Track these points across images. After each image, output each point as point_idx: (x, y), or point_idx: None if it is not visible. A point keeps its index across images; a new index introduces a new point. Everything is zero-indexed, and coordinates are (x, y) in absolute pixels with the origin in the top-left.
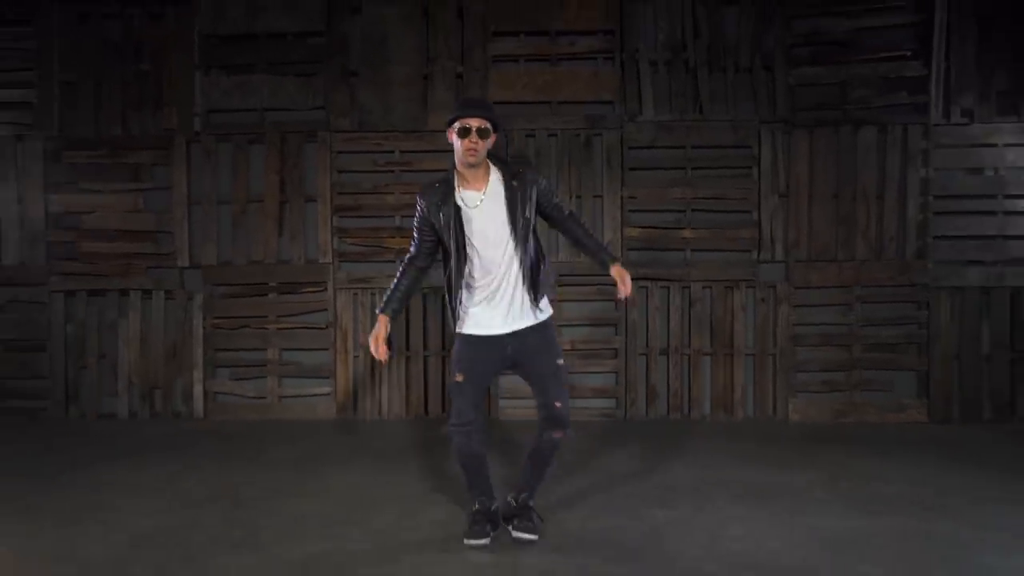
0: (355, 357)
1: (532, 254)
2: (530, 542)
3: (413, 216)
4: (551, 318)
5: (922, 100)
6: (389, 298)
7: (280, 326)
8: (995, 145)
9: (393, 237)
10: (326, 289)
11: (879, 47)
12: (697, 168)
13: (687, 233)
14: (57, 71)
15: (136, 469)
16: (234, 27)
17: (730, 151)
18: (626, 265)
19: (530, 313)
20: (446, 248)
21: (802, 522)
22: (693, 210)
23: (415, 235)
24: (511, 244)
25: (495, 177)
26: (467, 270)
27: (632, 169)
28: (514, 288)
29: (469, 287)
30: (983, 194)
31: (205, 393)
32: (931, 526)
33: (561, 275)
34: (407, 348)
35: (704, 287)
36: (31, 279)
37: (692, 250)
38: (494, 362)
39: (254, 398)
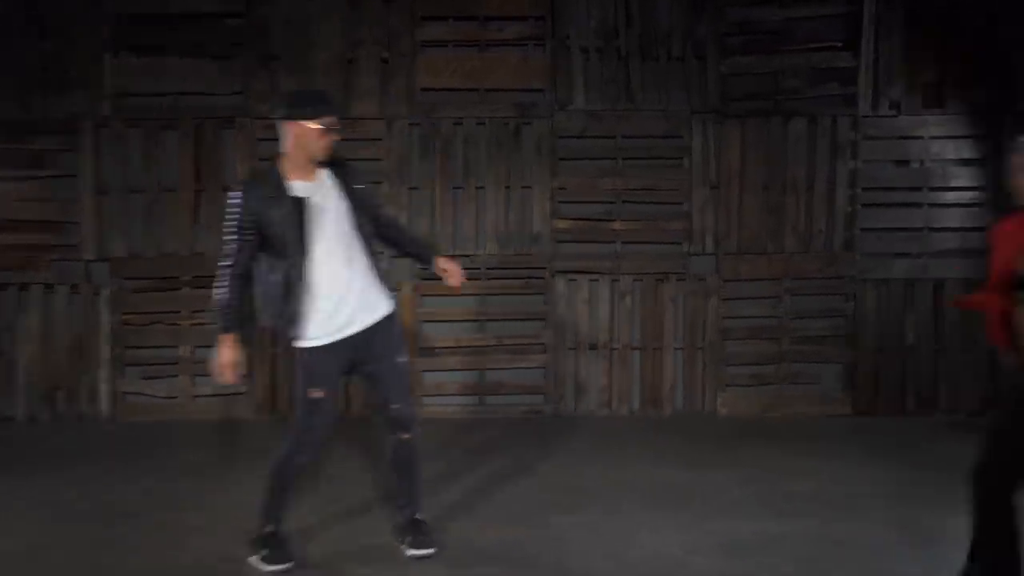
0: (273, 354)
1: (369, 246)
2: (427, 557)
3: (238, 216)
4: (396, 311)
5: (851, 91)
6: (229, 316)
7: (194, 322)
8: (921, 137)
9: None
10: None
11: (810, 37)
12: (628, 158)
13: (617, 225)
14: None
15: (20, 479)
16: (147, 6)
17: (661, 141)
18: (556, 257)
19: (375, 308)
20: (279, 247)
21: (712, 527)
22: (624, 202)
23: (235, 237)
24: (353, 236)
25: (323, 171)
26: (308, 269)
27: (562, 159)
28: (360, 284)
29: (311, 288)
30: (909, 186)
31: (113, 393)
32: (840, 528)
33: (489, 268)
34: None
35: (634, 280)
36: None
37: (622, 242)
38: (343, 368)
39: (166, 398)
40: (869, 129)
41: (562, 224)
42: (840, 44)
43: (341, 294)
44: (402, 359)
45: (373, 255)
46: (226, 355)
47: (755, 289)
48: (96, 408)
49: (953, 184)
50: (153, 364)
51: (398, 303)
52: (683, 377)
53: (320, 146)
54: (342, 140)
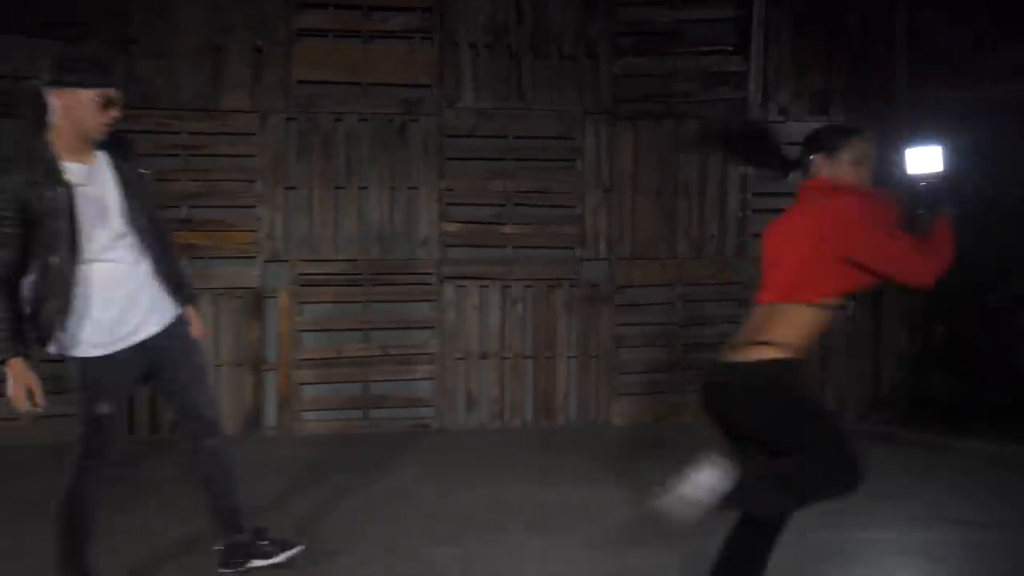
0: None
1: (158, 238)
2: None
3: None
4: (185, 312)
5: (742, 96)
6: (8, 336)
7: None
8: None
9: (179, 230)
10: None
11: (701, 40)
12: (519, 159)
13: (508, 229)
14: None
15: None
16: None
17: (554, 142)
18: (444, 262)
19: (164, 309)
20: (45, 244)
21: (601, 553)
22: (515, 204)
23: None
24: (135, 227)
25: (100, 152)
26: (81, 267)
27: (451, 159)
28: (143, 283)
29: (85, 290)
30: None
31: None
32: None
33: (373, 273)
34: None
35: (526, 286)
36: None
37: (513, 247)
38: (132, 380)
39: (3, 420)
40: None
41: (451, 227)
42: (731, 48)
43: (127, 296)
44: (200, 360)
45: (159, 248)
46: (15, 384)
47: (648, 295)
48: None
49: None
50: None
51: (272, 310)
52: (576, 386)
53: (93, 122)
54: (121, 122)
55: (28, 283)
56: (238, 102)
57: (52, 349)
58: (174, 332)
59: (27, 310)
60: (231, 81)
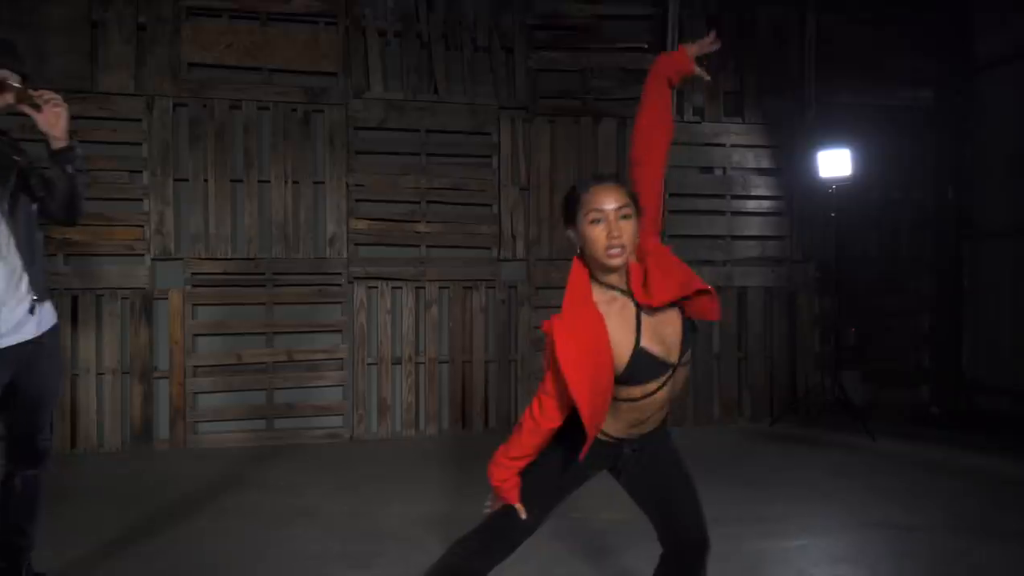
0: None
1: (30, 245)
2: None
3: None
4: (57, 327)
5: None
6: None
7: None
8: (723, 145)
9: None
10: None
11: (617, 36)
12: (432, 154)
13: (422, 227)
14: None
15: None
16: None
17: (468, 137)
18: (354, 262)
19: (32, 321)
20: None
21: (525, 568)
22: (428, 202)
23: None
24: (11, 224)
25: None
26: None
27: (359, 153)
28: (20, 285)
29: None
30: (714, 193)
31: None
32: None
33: (276, 273)
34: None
35: (441, 287)
36: None
37: (427, 246)
38: (5, 381)
39: None
40: (675, 134)
41: (360, 225)
42: (646, 46)
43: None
44: (60, 381)
45: (34, 250)
46: None
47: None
48: None
49: (753, 192)
50: None
51: (162, 313)
52: (495, 392)
53: None
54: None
55: None
56: (119, 83)
57: None
58: (43, 346)
59: None
60: (110, 59)
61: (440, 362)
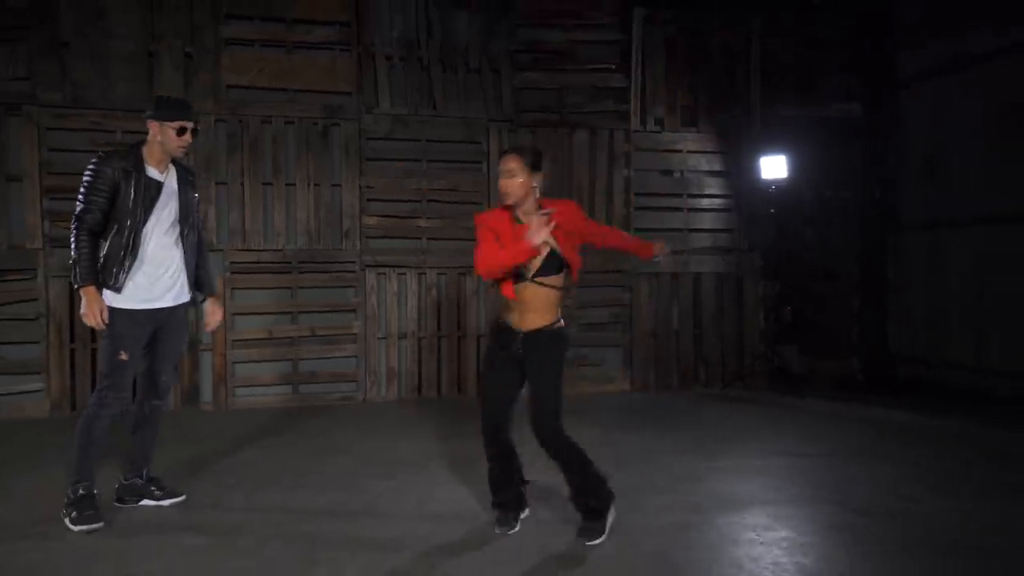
0: (72, 350)
1: (194, 243)
2: (183, 501)
3: (92, 178)
4: (186, 304)
5: (624, 109)
6: (87, 269)
7: None
8: (680, 151)
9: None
10: (35, 277)
11: (589, 59)
12: (432, 161)
13: (423, 222)
14: None
15: None
16: None
17: (462, 146)
18: (366, 252)
19: (179, 293)
20: (122, 216)
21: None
22: (428, 201)
23: (88, 197)
24: (180, 227)
25: (173, 168)
26: (141, 242)
27: (370, 159)
28: (172, 267)
29: (138, 259)
30: (673, 192)
31: None
32: (612, 475)
33: (300, 262)
34: None
35: (439, 274)
36: None
37: (428, 239)
38: (144, 337)
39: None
40: (639, 142)
41: (370, 221)
42: (614, 66)
43: (160, 274)
44: (181, 343)
45: (193, 247)
46: (90, 305)
47: None
48: None
49: (706, 192)
50: None
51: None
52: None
53: (174, 144)
54: (189, 144)
55: (107, 241)
56: None
57: (105, 295)
58: (176, 313)
59: (101, 259)
60: (163, 84)
61: (439, 337)
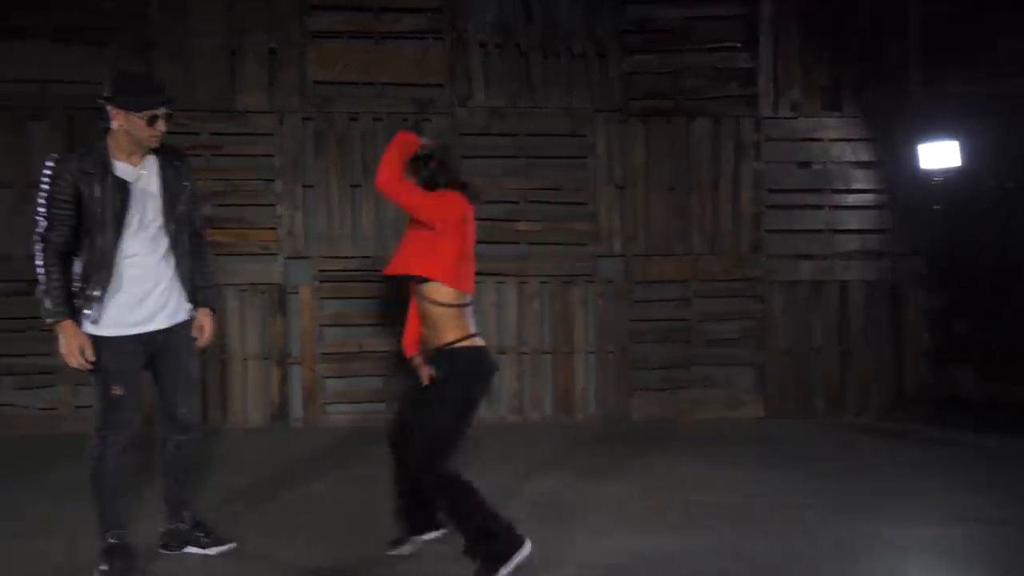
0: None
1: (190, 246)
2: (232, 550)
3: (50, 187)
4: (193, 319)
5: (752, 92)
6: (59, 299)
7: None
8: (821, 139)
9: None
10: None
11: (710, 37)
12: (532, 157)
13: (522, 225)
14: None
15: None
16: None
17: (565, 140)
18: None
19: (181, 309)
20: (90, 227)
21: (606, 542)
22: (528, 201)
23: (46, 211)
24: (168, 229)
25: (152, 156)
26: (116, 255)
27: (464, 157)
28: (161, 281)
29: (116, 275)
30: (812, 188)
31: None
32: (739, 542)
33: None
34: None
35: (541, 282)
36: None
37: (528, 243)
38: (136, 367)
39: (44, 409)
40: (771, 130)
41: None
42: (739, 45)
43: (145, 291)
44: (190, 366)
45: (188, 252)
46: (69, 342)
47: (663, 291)
48: None
49: (853, 186)
50: (28, 373)
51: (294, 306)
52: (595, 381)
53: (144, 135)
54: (162, 132)
55: (78, 260)
56: (255, 102)
57: (82, 324)
58: (175, 334)
59: (74, 284)
60: (247, 81)
61: (542, 352)
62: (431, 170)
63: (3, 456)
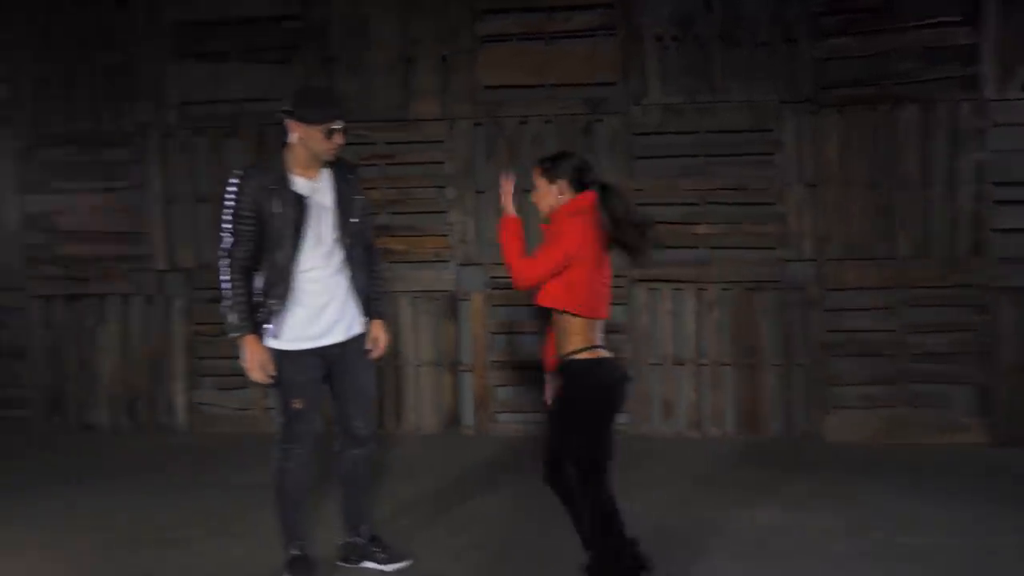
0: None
1: (363, 258)
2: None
3: (235, 203)
4: (367, 332)
5: (973, 72)
6: (243, 314)
7: None
8: None
9: (378, 237)
10: None
11: (919, 13)
12: (712, 155)
13: (702, 229)
14: (30, 64)
15: (89, 495)
16: (207, 12)
17: (749, 135)
18: (635, 265)
19: (356, 322)
20: (270, 242)
21: None
22: (708, 203)
23: (231, 226)
24: (343, 243)
25: (327, 170)
26: (294, 269)
27: (639, 158)
28: (336, 294)
29: (295, 289)
30: None
31: (189, 404)
32: None
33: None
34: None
35: (723, 289)
36: (9, 283)
37: (708, 247)
38: (316, 379)
39: (239, 409)
40: (998, 114)
41: None
42: (957, 19)
43: (322, 304)
44: (366, 380)
45: (361, 264)
46: (252, 357)
47: (863, 299)
48: (173, 419)
49: None
50: (226, 375)
51: (465, 313)
52: (783, 397)
53: (321, 148)
54: (339, 146)
55: (258, 276)
56: (428, 109)
57: (263, 338)
58: (351, 347)
59: (255, 298)
60: (421, 90)
61: (723, 364)
62: (571, 169)
63: (200, 454)
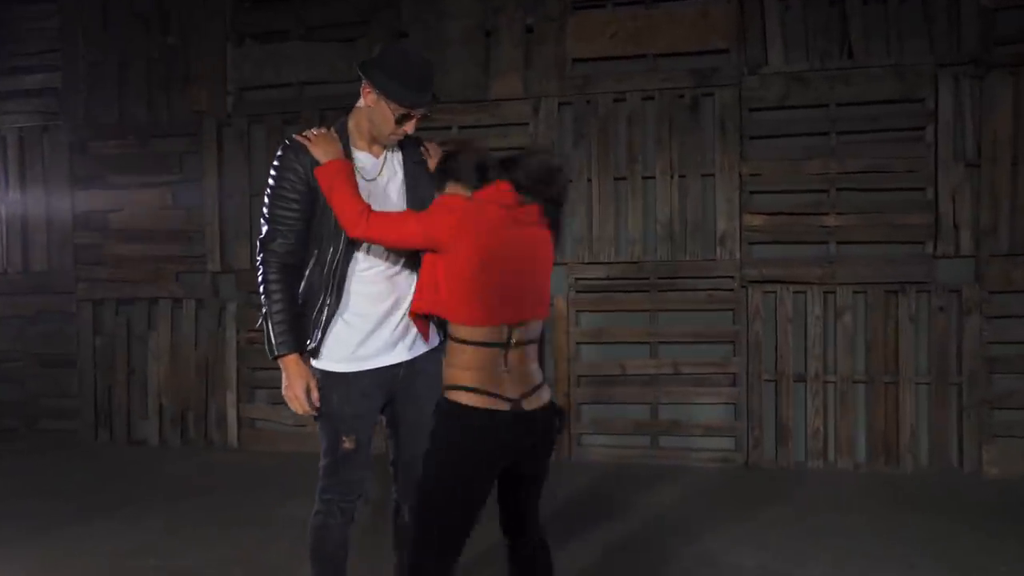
0: None
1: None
2: None
3: (277, 182)
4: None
5: None
6: (285, 327)
7: None
8: None
9: None
10: None
11: None
12: (845, 132)
13: (831, 220)
14: (82, 51)
15: (131, 522)
16: None
17: (893, 107)
18: (748, 263)
19: (416, 339)
20: (321, 232)
21: None
22: (839, 189)
23: (273, 212)
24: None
25: (394, 148)
26: (349, 269)
27: (754, 137)
28: (400, 302)
29: (347, 294)
30: None
31: (239, 419)
32: None
33: (660, 278)
34: None
35: (855, 292)
36: (59, 286)
37: (838, 243)
38: (378, 407)
39: (293, 426)
40: None
41: (755, 220)
42: None
43: (382, 314)
44: (428, 413)
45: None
46: (292, 382)
47: None
48: (224, 434)
49: None
50: (279, 388)
51: (549, 318)
52: (929, 422)
53: (388, 130)
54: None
55: (305, 277)
56: (509, 88)
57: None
58: (419, 367)
59: (300, 306)
60: (502, 66)
61: (855, 382)
62: (462, 166)
63: (250, 478)
